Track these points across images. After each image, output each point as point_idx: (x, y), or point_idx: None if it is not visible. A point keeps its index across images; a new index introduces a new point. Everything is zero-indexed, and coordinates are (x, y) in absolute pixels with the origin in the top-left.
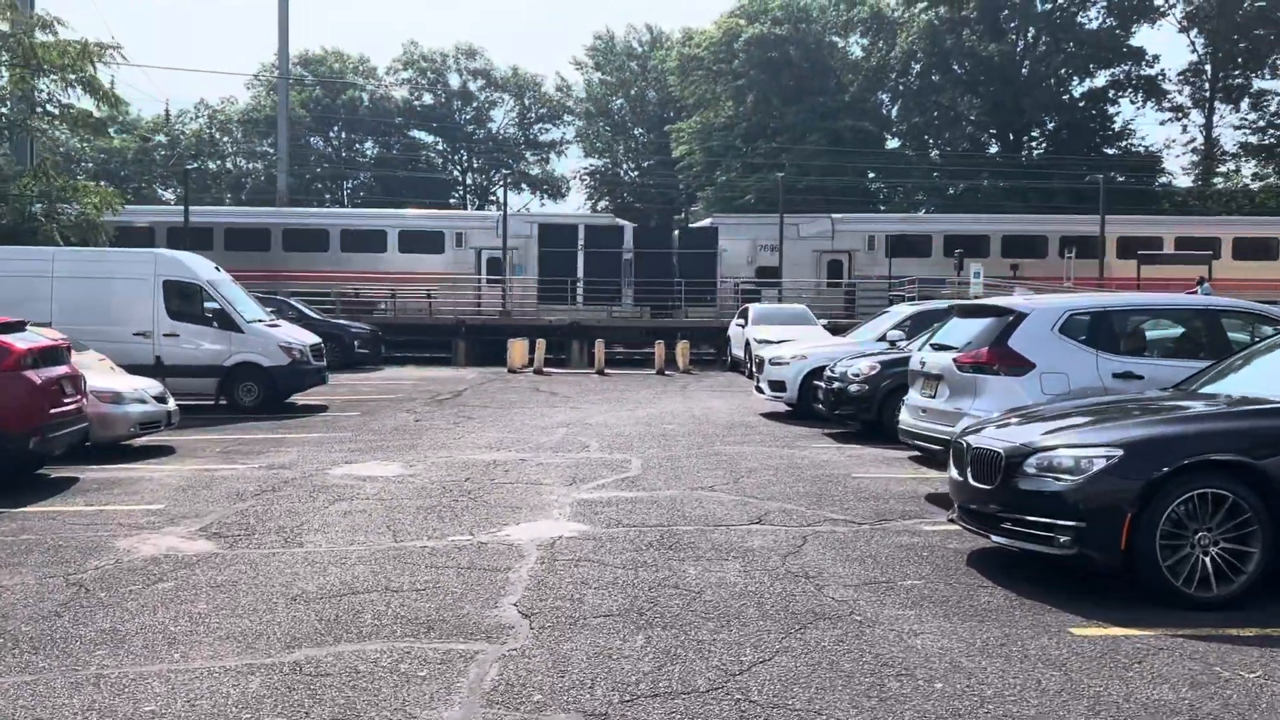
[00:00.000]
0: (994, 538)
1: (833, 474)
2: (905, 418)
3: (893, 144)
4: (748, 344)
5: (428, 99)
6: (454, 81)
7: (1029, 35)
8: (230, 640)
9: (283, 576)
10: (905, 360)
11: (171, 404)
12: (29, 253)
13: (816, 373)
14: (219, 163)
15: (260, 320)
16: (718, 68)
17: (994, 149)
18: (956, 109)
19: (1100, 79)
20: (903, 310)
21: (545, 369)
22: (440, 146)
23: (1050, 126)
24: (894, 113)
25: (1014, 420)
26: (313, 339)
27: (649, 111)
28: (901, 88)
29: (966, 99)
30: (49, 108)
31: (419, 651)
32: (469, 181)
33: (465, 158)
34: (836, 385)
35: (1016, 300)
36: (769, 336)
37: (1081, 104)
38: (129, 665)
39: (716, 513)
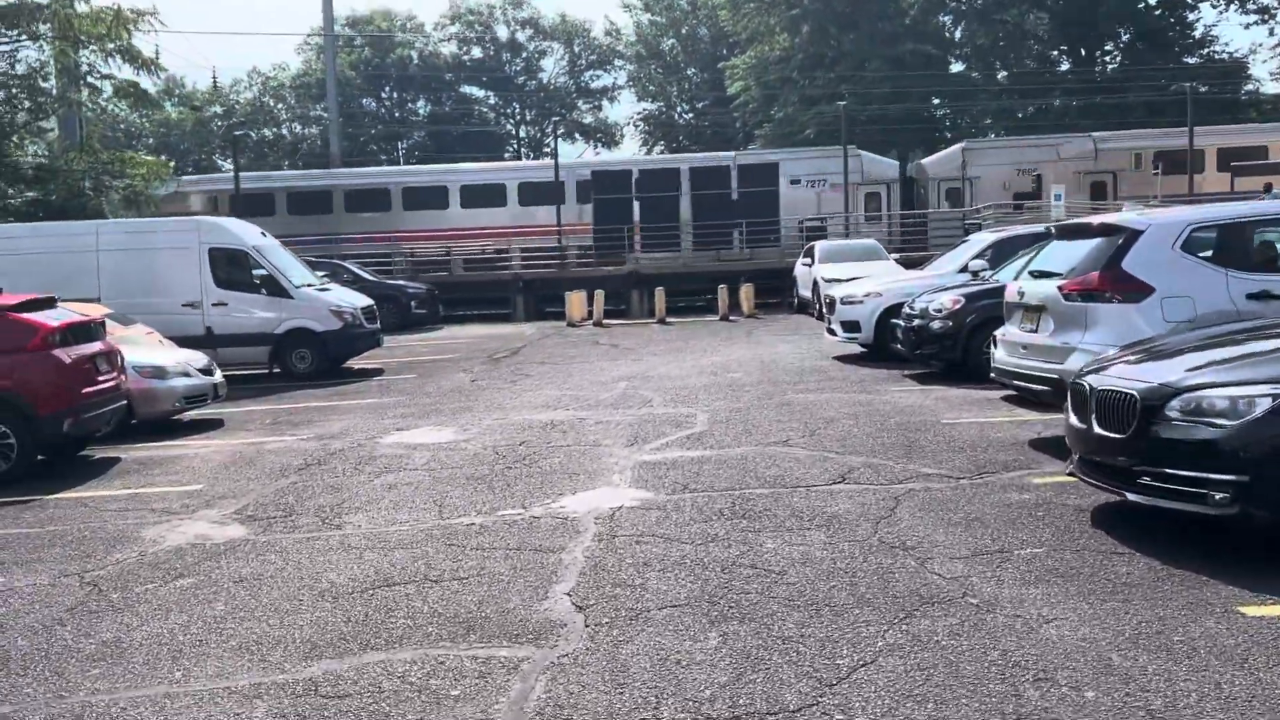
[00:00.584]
0: (1129, 495)
1: (920, 421)
2: (1001, 355)
3: (957, 68)
4: (815, 283)
5: (476, 53)
6: (502, 33)
7: None
8: (242, 652)
9: (314, 566)
10: (991, 292)
11: (218, 376)
12: (72, 228)
13: (893, 310)
14: (274, 130)
15: (310, 285)
16: None
17: (1065, 66)
18: (1024, 26)
19: None
20: (983, 238)
21: (605, 320)
22: (492, 100)
23: (1125, 38)
24: (958, 34)
25: (1143, 355)
26: (365, 301)
27: (701, 50)
28: (965, 7)
29: (1034, 15)
30: (90, 79)
31: (455, 661)
32: (522, 134)
33: (518, 110)
34: (916, 323)
35: (1129, 216)
36: (838, 274)
37: (1158, 11)
38: (122, 689)
39: (793, 472)
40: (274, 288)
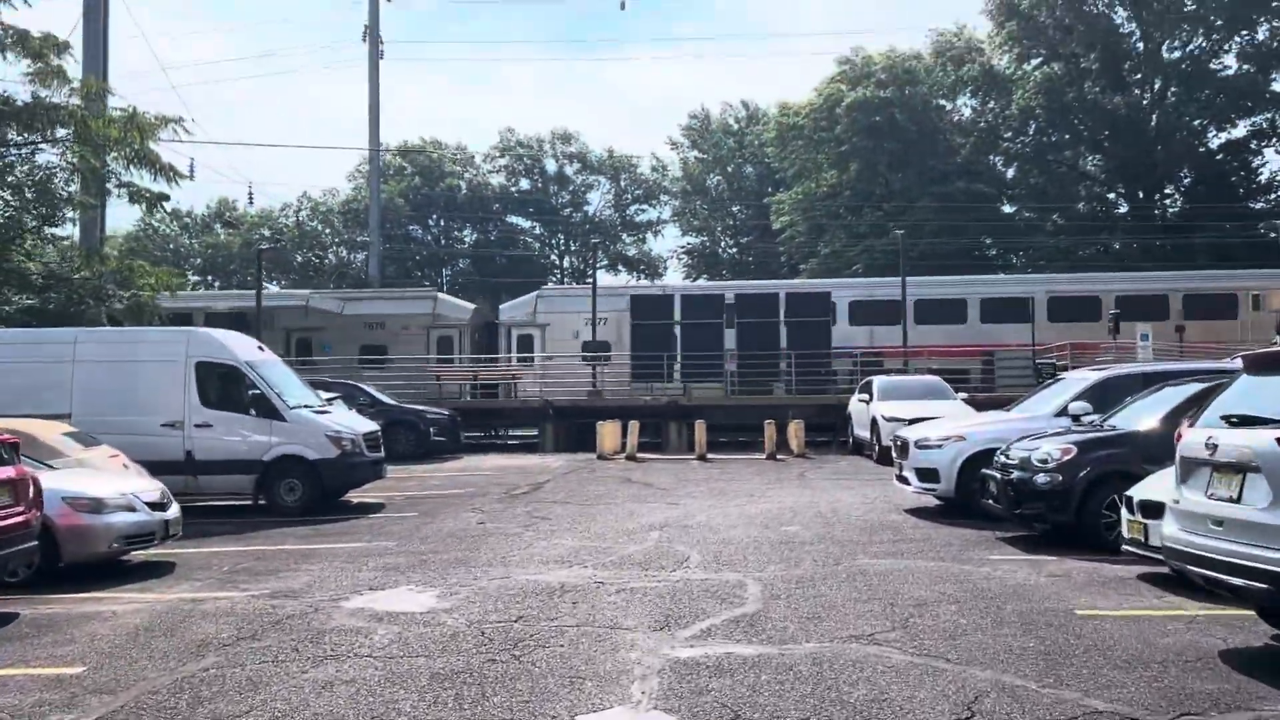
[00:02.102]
0: None
1: (1045, 610)
2: (1174, 531)
3: (1008, 209)
4: (874, 422)
5: (524, 184)
6: (550, 166)
7: (1155, 86)
8: None
9: None
10: (1109, 441)
11: (173, 511)
12: (48, 335)
13: (979, 459)
14: (319, 254)
15: (306, 405)
16: (818, 135)
17: (1123, 209)
18: (1079, 168)
19: (1240, 129)
20: (1086, 376)
21: (640, 454)
22: (537, 231)
23: (1186, 181)
24: (1010, 174)
25: None
26: (368, 426)
27: (746, 187)
28: (1017, 148)
29: (1090, 157)
30: (110, 185)
31: None
32: (566, 264)
33: (562, 240)
34: (1016, 475)
35: None
36: (900, 413)
37: (1219, 156)
38: None
39: (892, 694)
40: (265, 408)
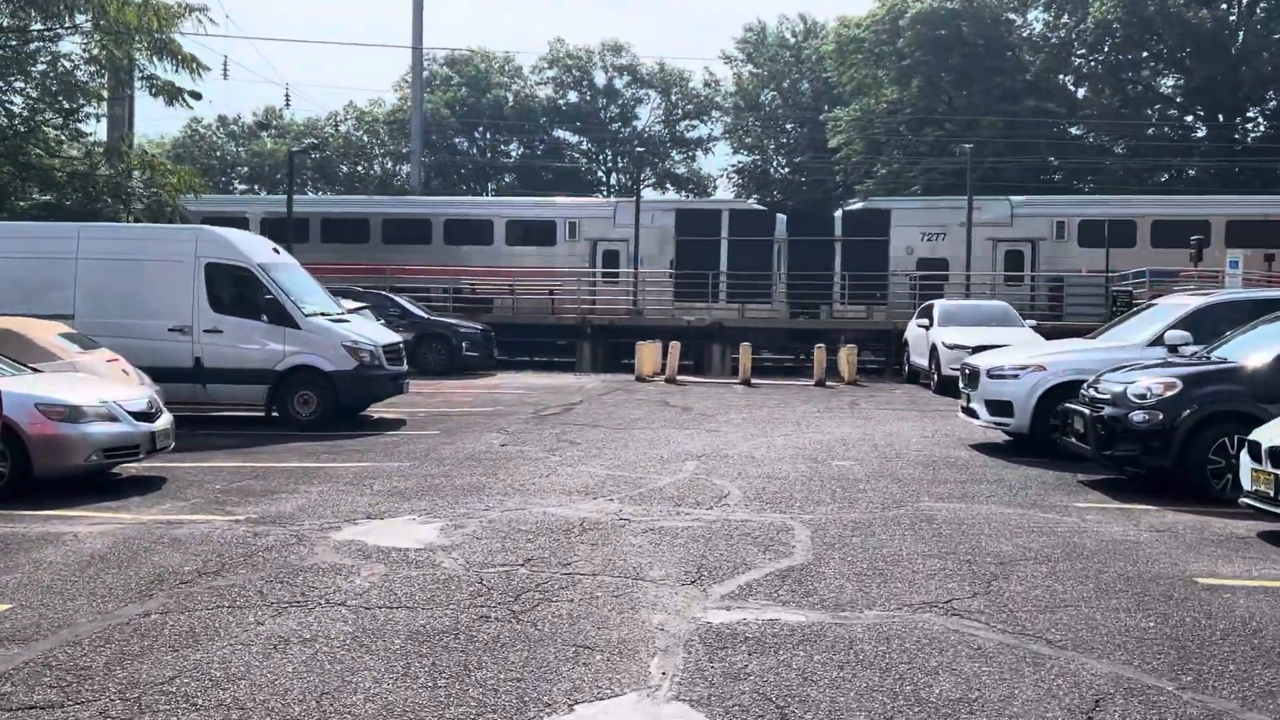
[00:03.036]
0: None
1: (1157, 575)
2: None
3: (1076, 130)
4: (934, 349)
5: (572, 97)
6: (599, 79)
7: (1243, 2)
8: None
9: None
10: (1219, 375)
11: (162, 422)
12: (51, 229)
13: (1060, 391)
14: (366, 165)
15: (324, 314)
16: (879, 49)
17: (1201, 133)
18: (1155, 88)
19: None
20: (1185, 302)
21: (680, 377)
22: (585, 146)
23: (1272, 105)
24: (1080, 94)
25: None
26: (390, 338)
27: (802, 103)
28: (1090, 66)
29: (1168, 77)
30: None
31: None
32: (613, 181)
33: (610, 156)
34: (1108, 412)
35: None
36: (963, 340)
37: None
38: None
39: (984, 689)
40: (278, 315)
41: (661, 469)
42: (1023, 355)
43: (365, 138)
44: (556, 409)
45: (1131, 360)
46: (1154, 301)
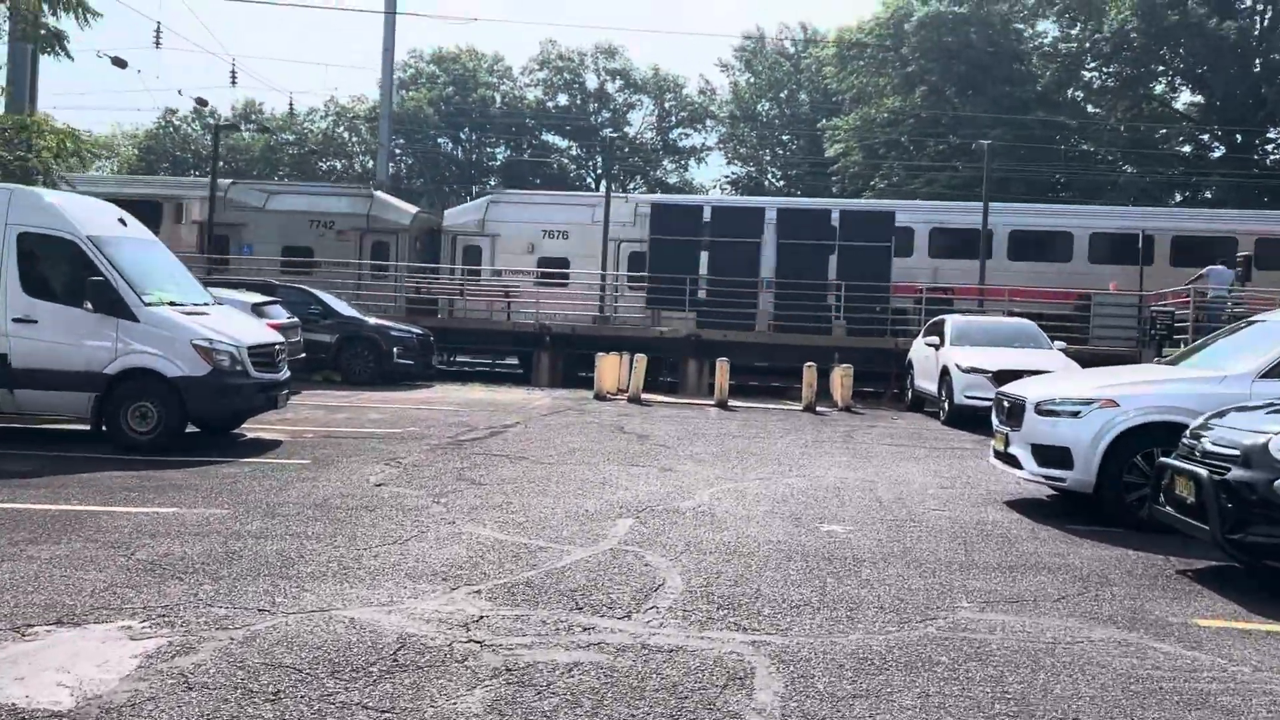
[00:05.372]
0: None
1: None
2: None
3: (1086, 147)
4: (944, 372)
5: (562, 100)
6: (591, 82)
7: (1268, 16)
8: None
9: None
10: None
11: None
12: None
13: (1133, 436)
14: (345, 162)
15: (174, 303)
16: (882, 56)
17: (1218, 152)
18: (1170, 104)
19: None
20: None
21: (648, 396)
22: (574, 151)
23: None
24: (1091, 110)
25: None
26: (262, 337)
27: (799, 114)
28: (1103, 80)
29: (1185, 92)
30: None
31: None
32: (601, 187)
33: (600, 162)
34: (1237, 476)
35: None
36: (982, 363)
37: None
38: None
39: None
40: (108, 302)
41: (578, 532)
42: (1083, 386)
43: (346, 134)
44: (483, 432)
45: (1238, 397)
46: (1260, 318)
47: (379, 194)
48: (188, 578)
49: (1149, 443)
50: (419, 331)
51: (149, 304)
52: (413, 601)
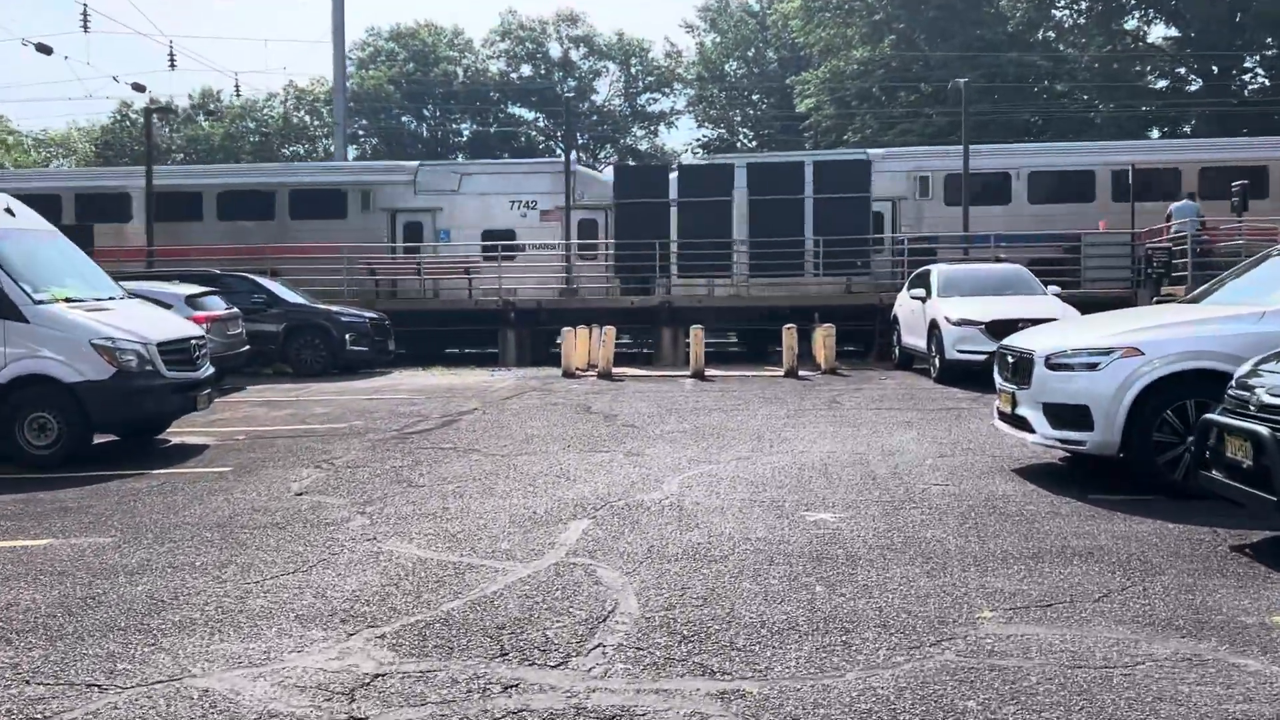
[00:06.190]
0: None
1: None
2: None
3: (1061, 86)
4: (933, 326)
5: (526, 70)
6: (554, 51)
7: None
8: None
9: None
10: None
11: None
12: None
13: (1162, 388)
14: (307, 145)
15: (70, 299)
16: (849, 4)
17: (1194, 86)
18: (1143, 38)
19: None
20: None
21: (620, 370)
22: (541, 123)
23: (1272, 52)
24: (1063, 48)
25: None
26: (176, 332)
27: (769, 72)
28: (1074, 17)
29: (1159, 25)
30: None
31: None
32: (573, 158)
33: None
34: None
35: None
36: (973, 314)
37: None
38: None
39: None
40: None
41: (520, 543)
42: (1099, 334)
43: (308, 118)
44: (434, 422)
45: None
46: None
47: (581, 168)
48: (19, 639)
49: (1181, 395)
50: (373, 315)
51: (40, 302)
52: (294, 657)
